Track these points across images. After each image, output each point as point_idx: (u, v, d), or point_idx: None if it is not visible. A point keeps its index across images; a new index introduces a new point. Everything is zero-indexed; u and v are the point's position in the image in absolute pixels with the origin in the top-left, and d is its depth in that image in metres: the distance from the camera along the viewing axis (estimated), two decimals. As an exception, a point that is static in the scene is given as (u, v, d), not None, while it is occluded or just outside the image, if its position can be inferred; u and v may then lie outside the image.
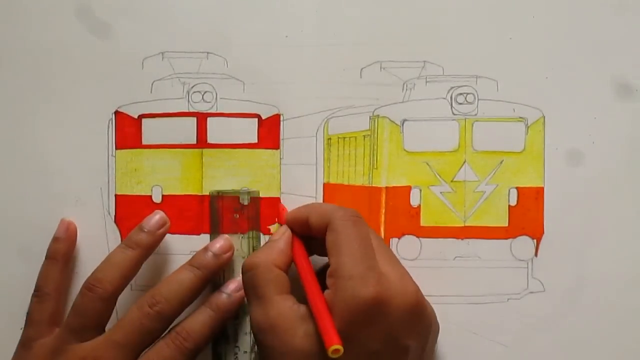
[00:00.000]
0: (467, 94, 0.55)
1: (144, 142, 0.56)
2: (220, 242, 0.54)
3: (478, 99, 0.55)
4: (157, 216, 0.54)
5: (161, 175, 0.56)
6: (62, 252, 0.55)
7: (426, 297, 0.54)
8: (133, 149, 0.56)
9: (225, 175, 0.56)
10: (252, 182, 0.56)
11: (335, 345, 0.44)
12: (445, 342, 0.55)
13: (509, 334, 0.55)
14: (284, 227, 0.52)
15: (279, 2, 0.56)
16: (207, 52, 0.56)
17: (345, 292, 0.45)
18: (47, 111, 0.56)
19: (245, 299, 0.50)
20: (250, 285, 0.49)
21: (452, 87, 0.55)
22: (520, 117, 0.55)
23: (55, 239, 0.55)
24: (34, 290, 0.54)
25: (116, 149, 0.56)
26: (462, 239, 0.55)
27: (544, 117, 0.55)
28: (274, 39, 0.56)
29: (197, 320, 0.52)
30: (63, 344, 0.51)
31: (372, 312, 0.45)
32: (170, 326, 0.52)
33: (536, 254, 0.55)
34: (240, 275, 0.52)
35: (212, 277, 0.53)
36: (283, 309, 0.47)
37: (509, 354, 0.55)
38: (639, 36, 0.55)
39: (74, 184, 0.56)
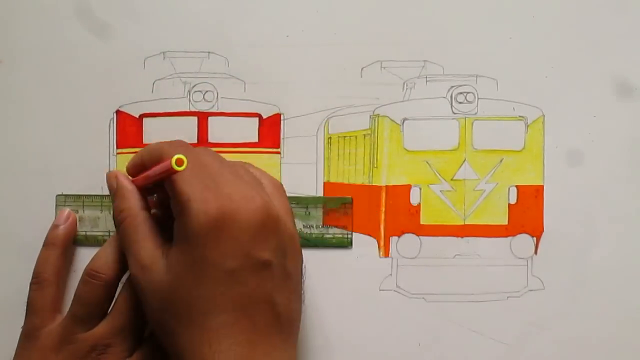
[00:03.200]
0: (467, 93, 0.56)
1: (145, 141, 0.56)
2: None
3: (478, 98, 0.56)
4: None
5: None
6: (61, 238, 0.55)
7: (426, 296, 0.54)
8: (134, 149, 0.56)
9: (226, 175, 0.56)
10: (253, 181, 0.56)
11: (175, 156, 0.44)
12: (445, 341, 0.55)
13: (509, 332, 0.55)
14: (112, 172, 0.53)
15: (279, 2, 0.56)
16: (209, 52, 0.56)
17: (188, 215, 0.46)
18: (48, 111, 0.56)
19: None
20: (124, 237, 0.50)
21: (452, 87, 0.56)
22: (520, 116, 0.56)
23: (54, 226, 0.55)
24: (33, 278, 0.54)
25: (117, 148, 0.56)
26: (462, 237, 0.56)
27: (544, 115, 0.55)
28: (275, 39, 0.56)
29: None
30: (70, 334, 0.51)
31: (217, 228, 0.45)
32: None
33: (536, 252, 0.55)
34: None
35: None
36: (151, 249, 0.48)
37: (509, 352, 0.55)
38: (639, 36, 0.55)
39: (74, 183, 0.56)
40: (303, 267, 0.52)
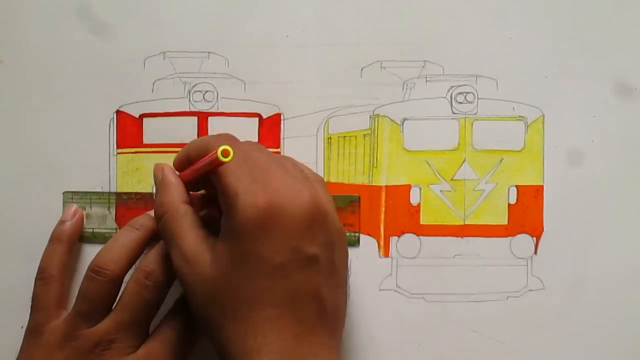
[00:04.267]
0: (467, 93, 0.56)
1: (145, 141, 0.56)
2: None
3: (478, 98, 0.56)
4: None
5: (162, 175, 0.56)
6: (68, 234, 0.55)
7: (426, 295, 0.54)
8: (134, 148, 0.56)
9: (226, 175, 0.56)
10: (253, 181, 0.56)
11: (221, 147, 0.43)
12: (445, 341, 0.55)
13: (508, 332, 0.55)
14: (159, 164, 0.53)
15: (279, 2, 0.56)
16: (208, 52, 0.56)
17: (236, 208, 0.45)
18: (49, 111, 0.56)
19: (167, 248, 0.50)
20: (165, 230, 0.50)
21: (452, 87, 0.56)
22: (520, 116, 0.56)
23: (60, 222, 0.55)
24: (38, 273, 0.54)
25: (117, 148, 0.56)
26: (461, 237, 0.56)
27: (544, 115, 0.56)
28: (274, 39, 0.56)
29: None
30: (74, 330, 0.50)
31: (265, 222, 0.45)
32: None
33: (535, 252, 0.55)
34: None
35: None
36: (195, 242, 0.48)
37: (508, 352, 0.55)
38: (639, 36, 0.55)
39: (75, 183, 0.56)
40: (349, 261, 0.52)
